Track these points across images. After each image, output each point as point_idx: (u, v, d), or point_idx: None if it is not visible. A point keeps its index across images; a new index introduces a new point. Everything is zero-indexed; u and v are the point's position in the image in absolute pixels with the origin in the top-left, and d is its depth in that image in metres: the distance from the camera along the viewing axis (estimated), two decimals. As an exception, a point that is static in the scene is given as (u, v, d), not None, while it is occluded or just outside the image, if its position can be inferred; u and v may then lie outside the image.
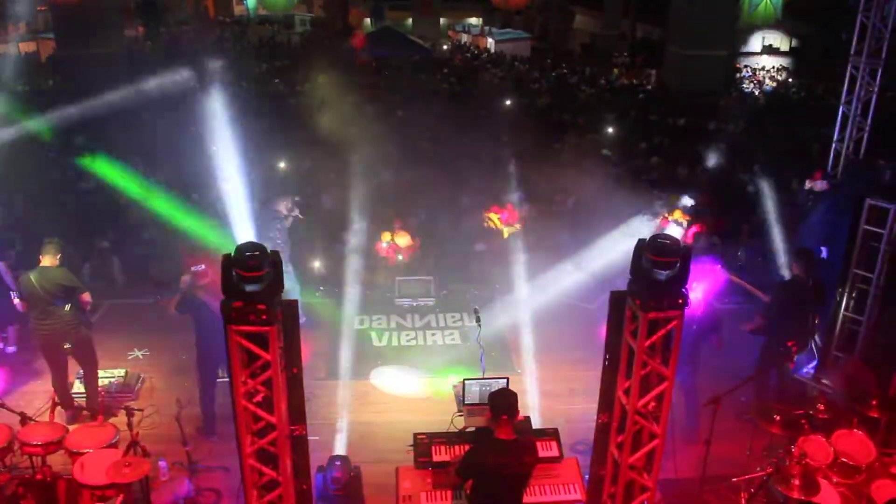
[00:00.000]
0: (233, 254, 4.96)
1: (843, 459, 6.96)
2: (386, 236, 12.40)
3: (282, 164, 15.16)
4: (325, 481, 7.09)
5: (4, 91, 17.43)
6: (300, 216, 11.01)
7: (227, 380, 8.57)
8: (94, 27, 22.59)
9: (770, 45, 34.56)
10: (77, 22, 22.56)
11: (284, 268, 10.33)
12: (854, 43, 10.80)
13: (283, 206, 10.74)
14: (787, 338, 8.53)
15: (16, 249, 11.14)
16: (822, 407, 7.51)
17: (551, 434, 6.92)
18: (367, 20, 36.06)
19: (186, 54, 27.28)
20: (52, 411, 7.68)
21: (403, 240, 12.39)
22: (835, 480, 6.89)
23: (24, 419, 7.26)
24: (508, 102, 21.56)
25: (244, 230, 10.24)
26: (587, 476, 6.38)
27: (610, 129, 18.88)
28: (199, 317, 8.26)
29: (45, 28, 31.06)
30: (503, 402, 5.76)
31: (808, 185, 11.25)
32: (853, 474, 6.94)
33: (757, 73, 29.94)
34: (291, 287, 10.84)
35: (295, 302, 5.34)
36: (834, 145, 11.33)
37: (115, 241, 12.60)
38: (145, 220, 12.42)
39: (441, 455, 6.62)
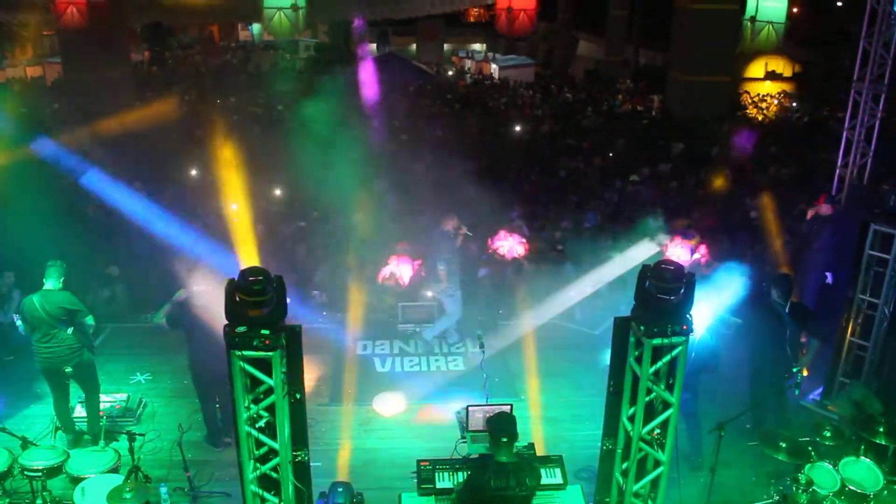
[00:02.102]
0: (236, 278, 4.95)
1: (851, 487, 6.90)
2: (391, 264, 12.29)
3: (277, 192, 15.15)
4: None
5: (10, 114, 17.45)
6: (469, 233, 11.01)
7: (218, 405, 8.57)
8: (101, 51, 22.76)
9: (773, 71, 34.71)
10: (83, 46, 22.75)
11: (453, 291, 10.74)
12: (857, 69, 10.88)
13: (450, 226, 10.74)
14: (761, 360, 8.51)
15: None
16: (828, 434, 7.45)
17: (555, 461, 6.85)
18: (373, 45, 36.29)
19: (191, 78, 27.49)
20: (54, 435, 7.65)
21: (406, 270, 12.25)
22: (842, 509, 6.83)
23: (26, 443, 7.24)
24: (518, 128, 21.57)
25: (249, 253, 10.19)
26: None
27: (611, 154, 18.90)
28: (191, 335, 8.17)
29: (51, 52, 31.32)
30: (501, 425, 5.75)
31: (810, 213, 11.22)
32: (861, 502, 6.87)
33: (760, 98, 30.04)
34: (455, 310, 10.93)
35: (299, 327, 5.30)
36: (838, 170, 11.36)
37: (124, 268, 12.51)
38: (150, 245, 12.35)
39: (444, 482, 6.57)
